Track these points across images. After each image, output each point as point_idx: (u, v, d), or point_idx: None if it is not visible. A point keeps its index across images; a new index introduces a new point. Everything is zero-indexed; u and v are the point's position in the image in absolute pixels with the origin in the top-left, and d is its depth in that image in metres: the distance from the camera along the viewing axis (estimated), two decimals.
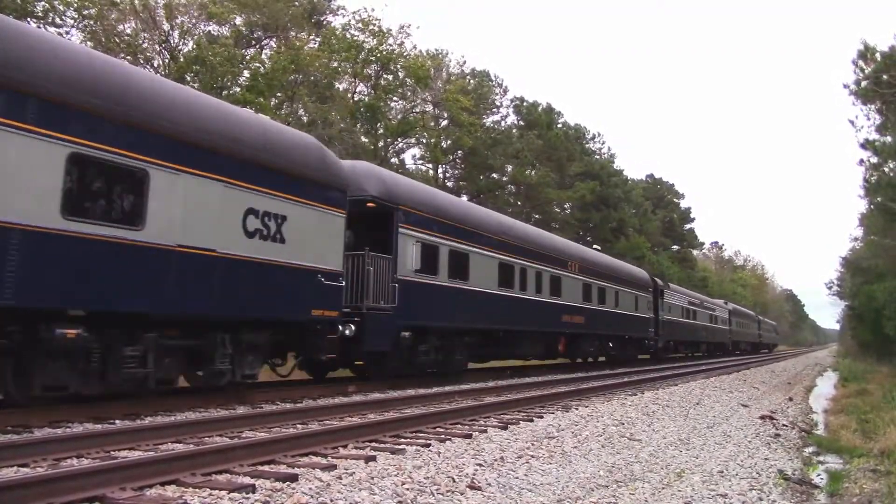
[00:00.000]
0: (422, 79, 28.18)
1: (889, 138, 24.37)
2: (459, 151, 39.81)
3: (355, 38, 26.62)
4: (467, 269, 15.71)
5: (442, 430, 8.40)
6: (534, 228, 23.70)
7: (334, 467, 5.87)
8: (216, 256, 9.20)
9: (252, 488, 5.04)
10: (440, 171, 41.89)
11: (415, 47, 29.05)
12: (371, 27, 26.95)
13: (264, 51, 25.89)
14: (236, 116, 10.22)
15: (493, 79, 43.91)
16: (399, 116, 31.86)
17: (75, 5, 20.10)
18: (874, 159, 25.36)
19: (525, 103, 45.77)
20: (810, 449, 9.98)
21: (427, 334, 14.38)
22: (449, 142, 37.67)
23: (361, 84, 29.07)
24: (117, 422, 8.12)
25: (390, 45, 27.39)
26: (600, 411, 10.98)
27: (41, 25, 20.17)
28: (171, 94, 9.13)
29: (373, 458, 6.36)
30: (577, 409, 11.22)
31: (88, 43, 21.09)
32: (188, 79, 21.94)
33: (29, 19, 19.93)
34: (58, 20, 20.56)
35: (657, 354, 33.03)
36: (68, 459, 5.92)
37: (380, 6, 35.96)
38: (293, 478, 5.38)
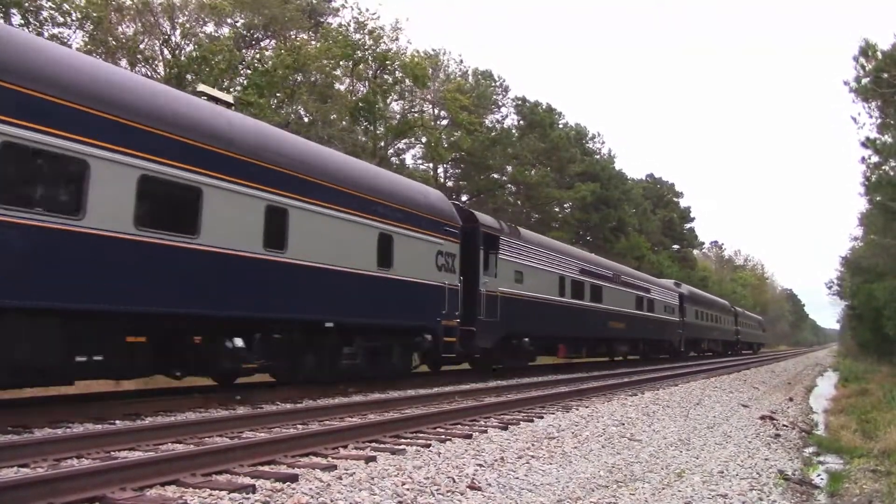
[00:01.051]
0: (419, 78, 28.16)
1: (889, 138, 24.35)
2: (461, 152, 39.82)
3: (350, 38, 26.61)
4: None
5: (442, 430, 8.40)
6: None
7: (334, 467, 5.87)
8: None
9: (252, 488, 5.04)
10: (440, 170, 41.94)
11: (409, 42, 29.10)
12: (367, 27, 26.96)
13: (265, 52, 25.89)
14: None
15: (497, 79, 43.96)
16: (398, 116, 31.88)
17: (81, 10, 20.12)
18: (875, 158, 25.35)
19: (527, 104, 45.77)
20: (810, 449, 9.97)
21: None
22: (449, 141, 37.67)
23: (360, 84, 29.07)
24: (117, 422, 8.12)
25: (386, 44, 27.41)
26: (600, 411, 10.97)
27: (43, 26, 20.18)
28: None
29: (373, 459, 6.36)
30: (577, 409, 11.22)
31: (89, 45, 21.11)
32: (189, 79, 21.94)
33: (31, 19, 19.95)
34: (60, 18, 20.56)
35: (477, 360, 18.13)
36: (68, 459, 5.92)
37: (374, 5, 35.92)
38: (293, 478, 5.38)
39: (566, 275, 21.91)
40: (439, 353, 15.04)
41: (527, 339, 18.88)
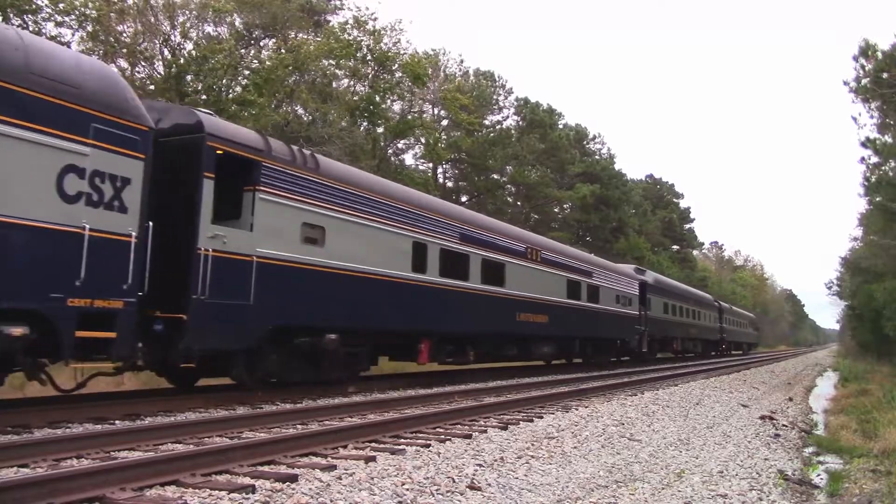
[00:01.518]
0: (419, 77, 28.18)
1: (889, 138, 24.36)
2: (460, 153, 39.87)
3: (352, 37, 26.67)
4: None
5: (442, 430, 8.41)
6: None
7: (334, 468, 5.87)
8: None
9: (252, 489, 5.04)
10: (439, 170, 41.97)
11: (409, 42, 29.13)
12: (366, 26, 26.99)
13: (263, 51, 25.92)
14: None
15: (497, 79, 43.98)
16: (398, 116, 31.89)
17: (78, 10, 20.11)
18: (874, 158, 25.37)
19: (528, 104, 45.81)
20: (810, 449, 9.99)
21: None
22: (448, 142, 37.70)
23: (359, 84, 29.09)
24: (117, 422, 8.12)
25: (385, 43, 27.44)
26: (600, 411, 10.98)
27: (41, 25, 20.17)
28: None
29: (373, 459, 6.37)
30: (577, 409, 11.22)
31: (88, 44, 21.11)
32: (188, 80, 21.96)
33: (27, 17, 19.94)
34: (59, 18, 20.53)
35: (217, 370, 11.06)
36: (68, 459, 5.92)
37: (374, 5, 35.91)
38: (293, 478, 5.38)
39: (431, 241, 14.47)
40: (64, 358, 7.89)
41: (334, 336, 11.74)
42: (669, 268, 59.09)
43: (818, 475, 7.94)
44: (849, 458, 9.06)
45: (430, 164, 39.63)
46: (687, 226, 78.41)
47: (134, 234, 8.41)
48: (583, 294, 22.70)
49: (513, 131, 43.83)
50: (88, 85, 8.13)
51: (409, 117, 31.86)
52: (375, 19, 27.24)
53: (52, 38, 19.58)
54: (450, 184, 43.36)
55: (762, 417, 11.90)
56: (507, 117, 45.20)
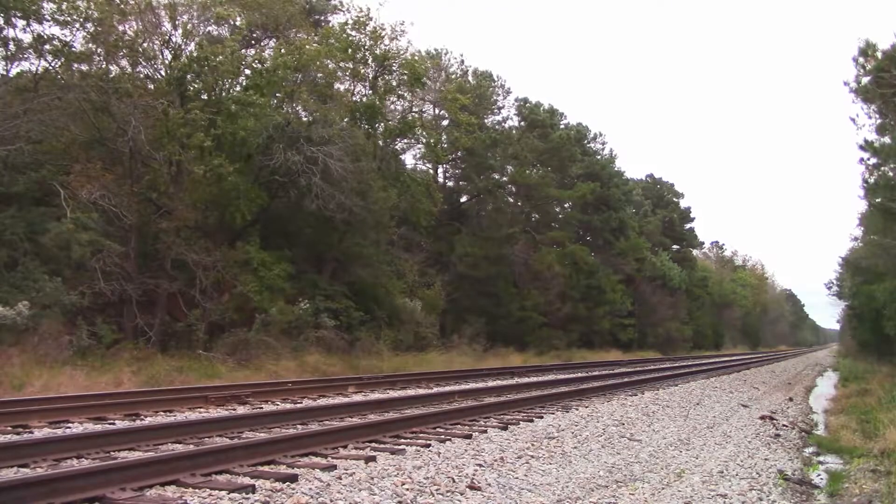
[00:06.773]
0: (418, 78, 28.16)
1: (888, 139, 24.33)
2: (459, 151, 39.83)
3: (352, 37, 26.67)
4: None
5: (442, 430, 8.40)
6: None
7: (334, 467, 5.87)
8: None
9: (252, 488, 5.05)
10: (440, 170, 41.94)
11: (410, 44, 29.03)
12: (366, 28, 26.97)
13: (265, 51, 25.89)
14: None
15: (496, 80, 43.91)
16: (398, 117, 31.85)
17: (83, 12, 20.07)
18: (873, 160, 25.31)
19: (528, 104, 45.74)
20: (810, 449, 9.98)
21: None
22: (448, 142, 37.66)
23: (360, 85, 29.06)
24: (117, 422, 8.13)
25: (386, 44, 27.43)
26: (600, 411, 10.97)
27: (43, 24, 20.15)
28: None
29: (373, 459, 6.37)
30: (577, 409, 11.22)
31: (90, 44, 21.10)
32: (189, 79, 21.94)
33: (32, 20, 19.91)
34: (63, 19, 20.49)
35: None
36: (68, 460, 5.92)
37: (374, 5, 35.86)
38: (293, 478, 5.38)
39: None
40: None
41: None
42: (671, 269, 59.07)
43: (818, 475, 7.93)
44: (849, 458, 9.05)
45: (430, 165, 39.61)
46: (687, 225, 78.28)
47: None
48: None
49: (514, 131, 43.76)
50: None
51: (409, 117, 31.84)
52: (372, 19, 27.25)
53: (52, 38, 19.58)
54: (450, 183, 43.34)
55: (762, 417, 11.90)
56: (507, 118, 45.16)
